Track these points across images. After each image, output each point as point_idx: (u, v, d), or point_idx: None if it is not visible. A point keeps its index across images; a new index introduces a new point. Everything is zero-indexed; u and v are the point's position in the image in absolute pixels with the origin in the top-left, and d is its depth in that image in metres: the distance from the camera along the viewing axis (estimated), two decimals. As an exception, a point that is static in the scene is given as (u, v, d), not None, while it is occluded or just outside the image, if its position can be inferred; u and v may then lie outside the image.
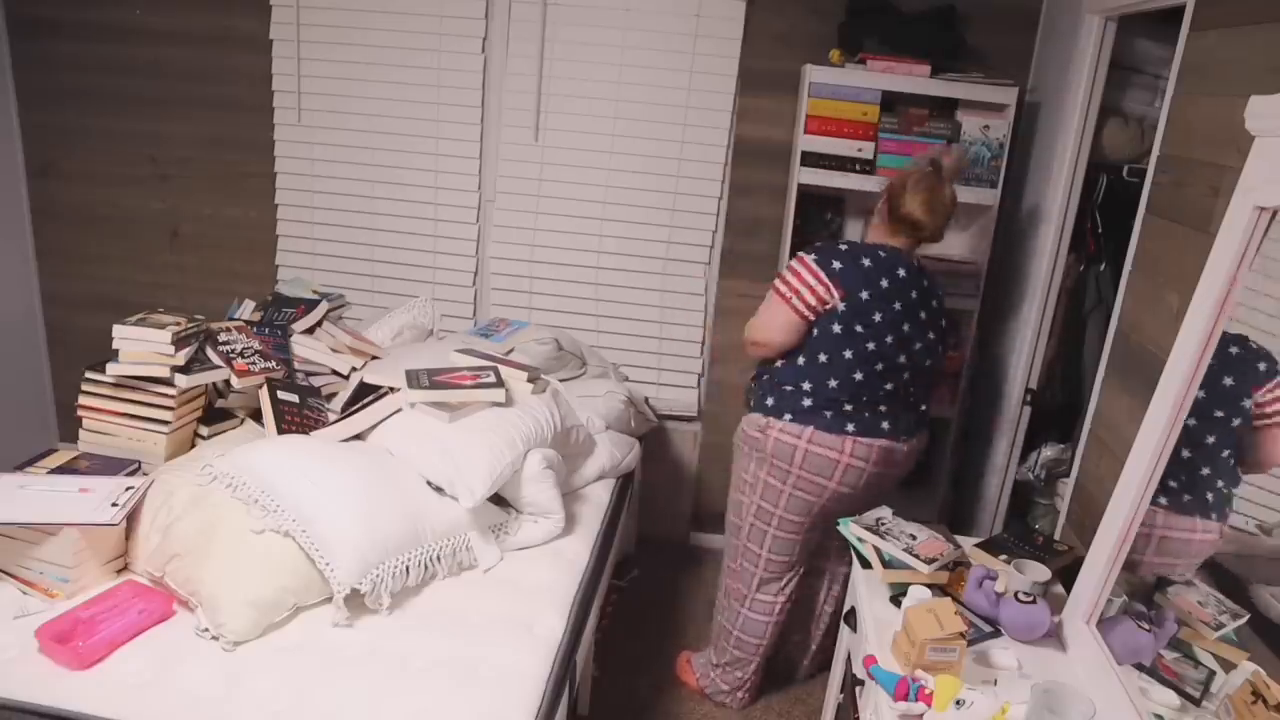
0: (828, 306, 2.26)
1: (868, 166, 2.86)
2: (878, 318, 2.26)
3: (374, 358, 2.65)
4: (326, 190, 3.42)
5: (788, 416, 2.32)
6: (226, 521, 1.89)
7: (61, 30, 3.39)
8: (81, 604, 1.76)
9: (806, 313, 2.28)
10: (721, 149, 3.21)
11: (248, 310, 2.70)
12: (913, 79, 2.78)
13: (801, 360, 2.32)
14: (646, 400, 3.28)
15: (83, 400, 2.24)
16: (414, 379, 2.31)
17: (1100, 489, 2.03)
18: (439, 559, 2.02)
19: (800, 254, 2.32)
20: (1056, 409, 2.87)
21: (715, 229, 3.30)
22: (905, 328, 2.29)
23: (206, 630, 1.75)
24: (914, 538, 2.02)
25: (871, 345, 2.26)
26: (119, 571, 1.93)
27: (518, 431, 2.24)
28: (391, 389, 2.33)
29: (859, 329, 2.26)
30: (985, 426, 3.08)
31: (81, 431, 2.25)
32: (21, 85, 3.48)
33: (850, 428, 2.29)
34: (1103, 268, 2.75)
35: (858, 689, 1.85)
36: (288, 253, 3.53)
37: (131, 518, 1.92)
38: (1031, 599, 1.81)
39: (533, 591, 2.03)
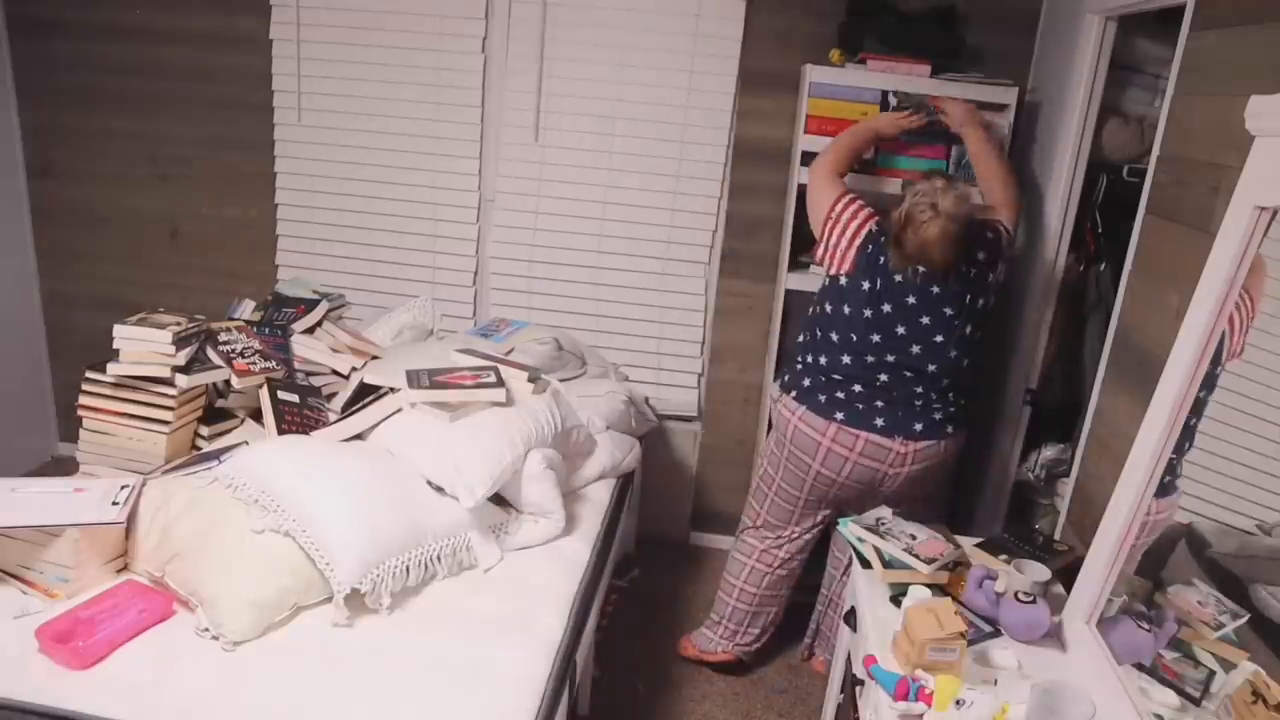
0: (838, 267, 2.38)
1: (868, 166, 2.86)
2: (867, 313, 2.34)
3: (374, 358, 2.65)
4: (326, 190, 3.42)
5: (792, 393, 2.46)
6: (226, 521, 1.89)
7: (61, 30, 3.39)
8: (81, 604, 1.76)
9: (838, 225, 2.40)
10: (721, 149, 3.21)
11: (248, 310, 2.70)
12: (913, 79, 2.78)
13: (804, 336, 2.46)
14: (646, 400, 3.27)
15: (83, 400, 2.24)
16: (414, 379, 2.31)
17: (1100, 489, 2.03)
18: (439, 559, 2.02)
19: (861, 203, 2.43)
20: (1056, 409, 2.86)
21: (715, 229, 3.30)
22: (899, 330, 2.33)
23: (206, 630, 1.75)
24: (914, 538, 2.02)
25: (854, 335, 2.35)
26: (119, 571, 1.93)
27: (518, 431, 2.24)
28: (392, 389, 2.33)
29: (847, 311, 2.35)
30: (985, 426, 3.08)
31: (81, 431, 2.25)
32: (21, 85, 3.48)
33: (839, 415, 2.37)
34: (1103, 268, 2.75)
35: (858, 689, 1.85)
36: (288, 253, 3.53)
37: (131, 518, 1.92)
38: (1031, 599, 1.81)
39: (533, 591, 2.03)
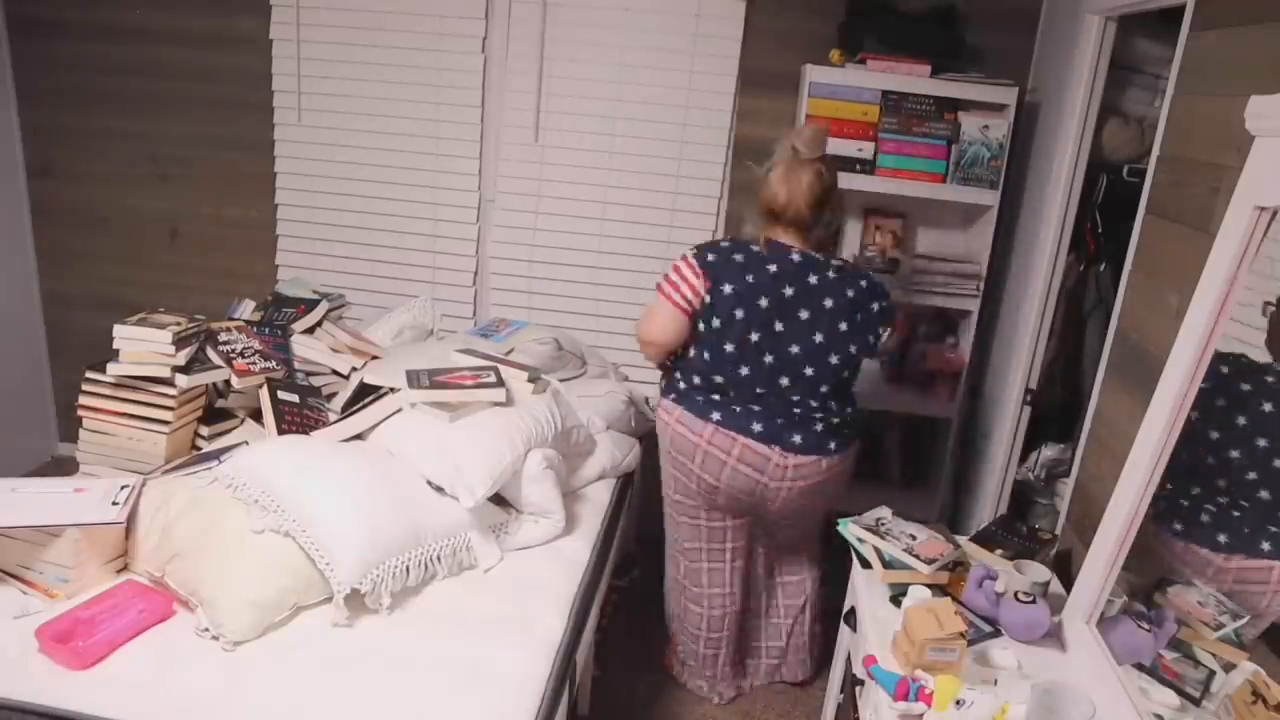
0: (700, 299, 2.28)
1: (868, 166, 2.86)
2: (739, 314, 2.24)
3: (374, 358, 2.65)
4: (326, 190, 3.42)
5: (670, 397, 2.40)
6: (226, 521, 1.89)
7: (61, 30, 3.39)
8: (81, 604, 1.76)
9: (686, 306, 2.30)
10: (721, 149, 3.20)
11: (248, 310, 2.70)
12: (913, 79, 2.79)
13: (691, 353, 2.37)
14: (646, 400, 3.27)
15: (83, 400, 2.24)
16: (414, 379, 2.31)
17: (1100, 489, 2.03)
18: (439, 559, 2.02)
19: (684, 252, 2.35)
20: (1056, 409, 2.87)
21: (715, 229, 3.30)
22: (778, 326, 2.24)
23: (206, 630, 1.75)
24: (914, 538, 2.02)
25: (730, 346, 2.26)
26: (119, 571, 1.93)
27: (518, 431, 2.24)
28: (392, 389, 2.33)
29: (717, 324, 2.26)
30: (985, 426, 3.08)
31: (81, 431, 2.25)
32: (21, 85, 3.48)
33: (715, 416, 2.29)
34: (1103, 268, 2.75)
35: (858, 689, 1.85)
36: (288, 253, 3.53)
37: (131, 517, 1.92)
38: (1031, 599, 1.81)
39: (533, 591, 2.03)
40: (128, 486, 1.96)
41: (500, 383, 2.36)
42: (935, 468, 3.21)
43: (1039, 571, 1.94)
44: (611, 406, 2.82)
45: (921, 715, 1.56)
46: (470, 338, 2.93)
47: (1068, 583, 1.96)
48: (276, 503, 1.91)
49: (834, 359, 2.26)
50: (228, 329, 2.42)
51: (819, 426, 2.29)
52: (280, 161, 3.42)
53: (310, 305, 2.65)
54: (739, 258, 2.26)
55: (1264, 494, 1.46)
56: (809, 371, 2.26)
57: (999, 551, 2.03)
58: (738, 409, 2.28)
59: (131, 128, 3.46)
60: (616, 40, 3.13)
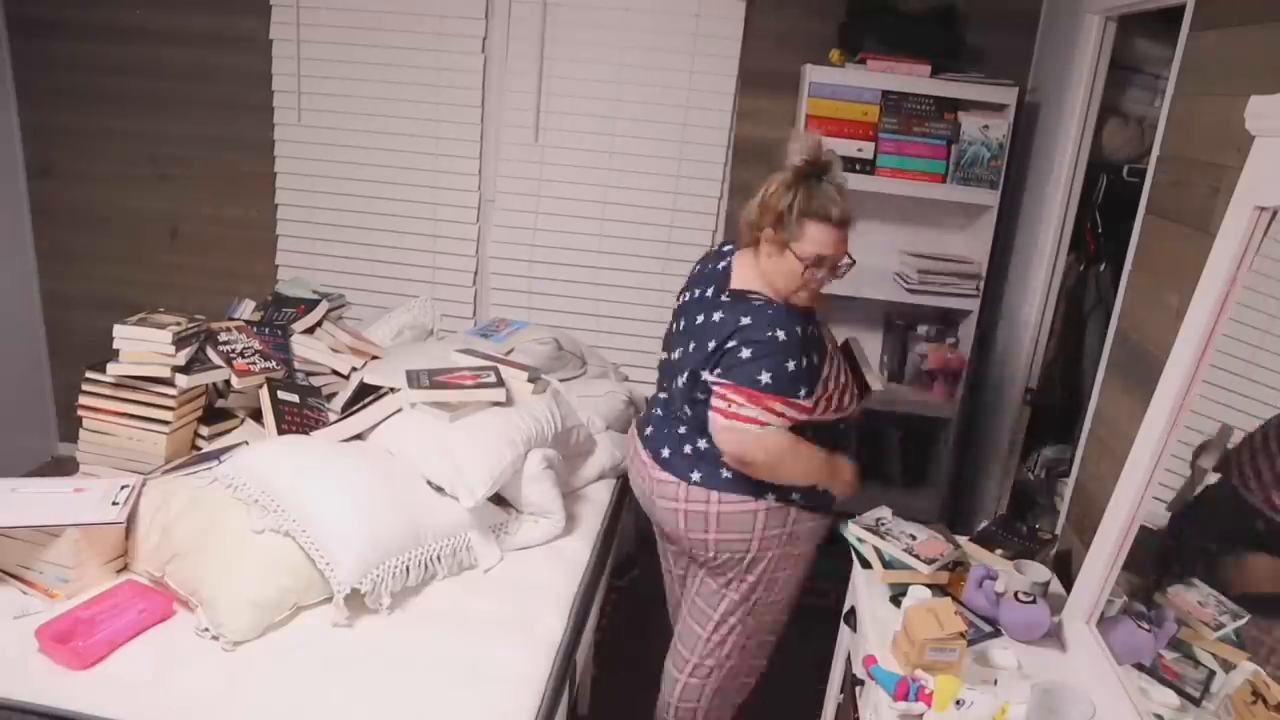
0: None
1: (868, 166, 2.86)
2: (676, 301, 2.15)
3: (374, 358, 2.64)
4: (326, 190, 3.42)
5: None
6: (226, 521, 1.89)
7: (61, 30, 3.39)
8: (81, 604, 1.76)
9: None
10: (721, 149, 3.20)
11: (248, 310, 2.70)
12: (913, 79, 2.79)
13: None
14: (647, 400, 3.27)
15: (83, 400, 2.24)
16: (414, 379, 2.31)
17: (1100, 489, 2.03)
18: (439, 559, 2.02)
19: None
20: (1056, 409, 2.87)
21: (715, 229, 3.30)
22: (674, 327, 2.09)
23: (206, 630, 1.75)
24: (914, 538, 2.02)
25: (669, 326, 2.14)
26: (119, 571, 1.93)
27: (518, 431, 2.23)
28: (392, 389, 2.33)
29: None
30: (985, 426, 3.08)
31: (81, 431, 2.25)
32: (21, 85, 3.48)
33: (641, 415, 2.27)
34: (1103, 268, 2.75)
35: (858, 689, 1.85)
36: (288, 253, 3.53)
37: (131, 517, 1.92)
38: (1031, 599, 1.81)
39: (533, 591, 2.03)
40: (128, 486, 1.96)
41: (500, 383, 2.36)
42: (935, 468, 3.21)
43: (1039, 571, 1.94)
44: (611, 406, 2.82)
45: (921, 715, 1.56)
46: (470, 338, 2.93)
47: (1068, 583, 1.96)
48: (276, 503, 1.91)
49: (681, 379, 1.99)
50: (228, 329, 2.42)
51: (687, 448, 2.01)
52: (280, 161, 3.42)
53: (310, 305, 2.65)
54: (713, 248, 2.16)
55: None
56: (678, 383, 2.01)
57: (999, 551, 2.03)
58: (651, 410, 2.19)
59: (131, 128, 3.46)
60: (616, 40, 3.13)
